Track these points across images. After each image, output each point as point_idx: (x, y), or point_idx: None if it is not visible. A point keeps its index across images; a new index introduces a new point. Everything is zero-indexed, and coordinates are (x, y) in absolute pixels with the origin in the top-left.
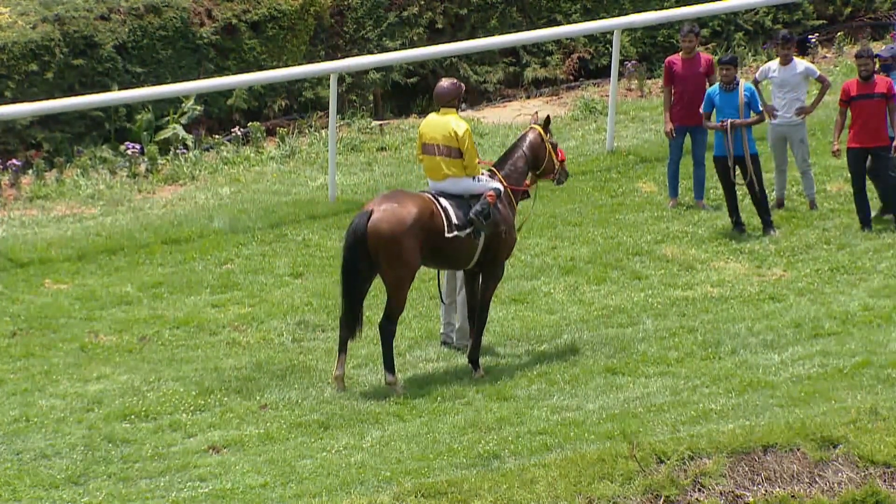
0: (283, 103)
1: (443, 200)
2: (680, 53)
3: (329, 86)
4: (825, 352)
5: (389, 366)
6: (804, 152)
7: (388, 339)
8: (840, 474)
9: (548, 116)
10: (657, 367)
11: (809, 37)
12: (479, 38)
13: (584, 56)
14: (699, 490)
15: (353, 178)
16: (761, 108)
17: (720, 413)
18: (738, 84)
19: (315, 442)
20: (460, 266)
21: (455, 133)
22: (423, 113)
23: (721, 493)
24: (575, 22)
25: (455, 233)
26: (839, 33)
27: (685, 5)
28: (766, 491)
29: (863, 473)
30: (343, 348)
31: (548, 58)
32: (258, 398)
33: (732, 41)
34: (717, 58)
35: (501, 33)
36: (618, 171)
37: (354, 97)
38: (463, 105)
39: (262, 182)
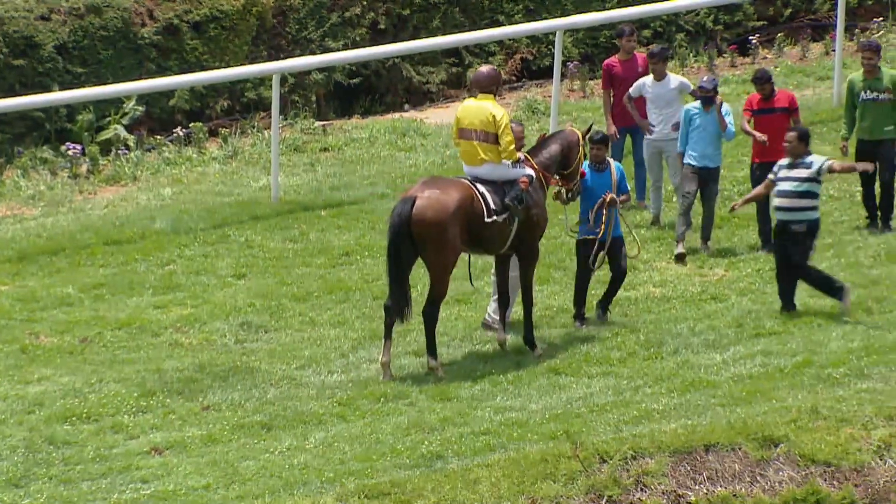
0: (226, 104)
1: (480, 186)
2: (618, 55)
3: (271, 86)
4: (766, 351)
5: (432, 350)
6: (678, 167)
7: (431, 324)
8: (781, 473)
9: (591, 125)
10: (600, 367)
11: (750, 38)
12: (422, 38)
13: (527, 57)
14: (641, 490)
15: (296, 179)
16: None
17: (662, 413)
18: (608, 164)
19: (258, 443)
20: (495, 250)
21: (493, 118)
22: (367, 113)
23: (663, 493)
24: (517, 23)
25: (493, 218)
26: (779, 34)
27: (627, 6)
28: (707, 490)
29: (803, 472)
30: (389, 335)
31: (490, 58)
32: (200, 400)
33: (674, 42)
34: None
35: (444, 34)
36: None
37: (297, 98)
38: (406, 106)
39: (205, 183)
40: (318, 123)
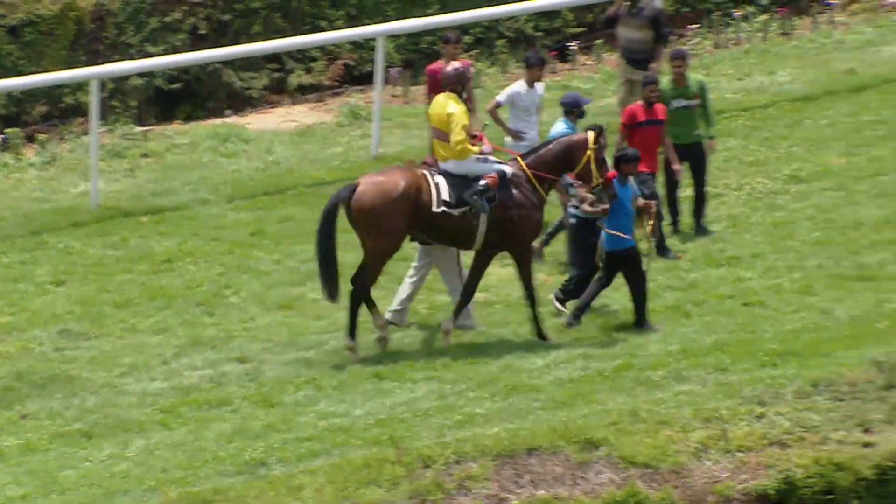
0: (43, 109)
1: (437, 177)
2: (442, 61)
3: (90, 91)
4: (587, 355)
5: (351, 331)
6: None
7: (353, 304)
8: (602, 476)
9: (601, 128)
10: (424, 372)
11: (569, 44)
12: (243, 43)
13: (349, 62)
14: (464, 494)
15: (116, 185)
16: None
17: (486, 417)
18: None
19: (77, 452)
20: (465, 245)
21: (446, 116)
22: (188, 119)
23: (486, 497)
24: (339, 28)
25: (443, 209)
26: (598, 41)
27: (448, 12)
28: (530, 493)
29: (623, 474)
30: (370, 309)
31: (312, 64)
32: (18, 408)
33: (494, 48)
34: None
35: (265, 39)
36: None
37: (117, 103)
38: (228, 111)
39: (22, 189)
40: (138, 129)
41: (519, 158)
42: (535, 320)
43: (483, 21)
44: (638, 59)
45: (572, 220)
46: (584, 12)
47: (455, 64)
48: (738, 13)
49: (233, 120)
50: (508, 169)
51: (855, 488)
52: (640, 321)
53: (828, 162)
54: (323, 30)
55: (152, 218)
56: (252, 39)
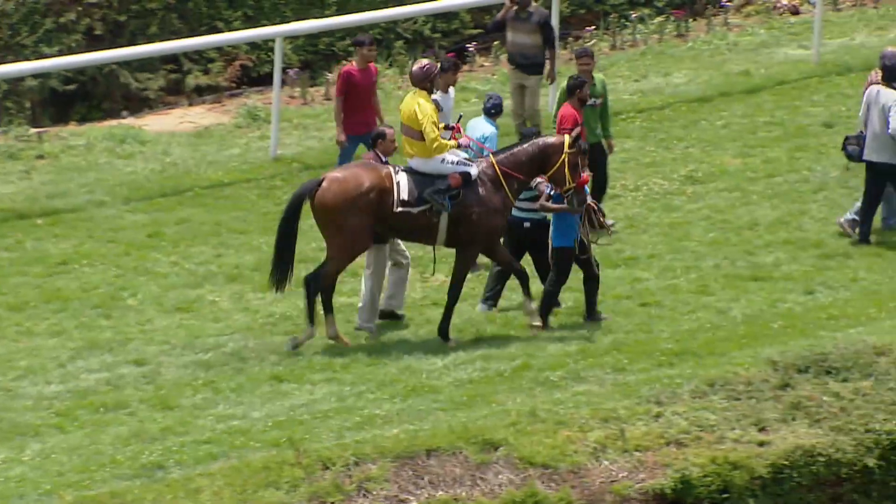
0: None
1: (400, 175)
2: (356, 63)
3: None
4: (486, 356)
5: (309, 317)
6: None
7: (309, 293)
8: (501, 476)
9: (578, 133)
10: (323, 373)
11: (467, 46)
12: (140, 44)
13: (247, 63)
14: (364, 495)
15: (11, 187)
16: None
17: (385, 418)
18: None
19: None
20: (428, 242)
21: (415, 114)
22: (84, 120)
23: (385, 498)
24: (236, 29)
25: (401, 208)
26: (496, 42)
27: (346, 14)
28: (429, 494)
29: (522, 475)
30: (327, 309)
31: (210, 65)
32: None
33: (392, 49)
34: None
35: (162, 40)
36: (282, 179)
37: (10, 104)
38: (124, 113)
39: None
40: (32, 130)
41: (492, 156)
42: (446, 318)
43: (381, 22)
44: (527, 63)
45: (527, 224)
46: (481, 14)
47: (423, 61)
48: (634, 15)
49: (129, 121)
50: (473, 170)
51: (751, 487)
52: (590, 312)
53: (723, 163)
54: (220, 31)
55: (48, 220)
56: (149, 40)
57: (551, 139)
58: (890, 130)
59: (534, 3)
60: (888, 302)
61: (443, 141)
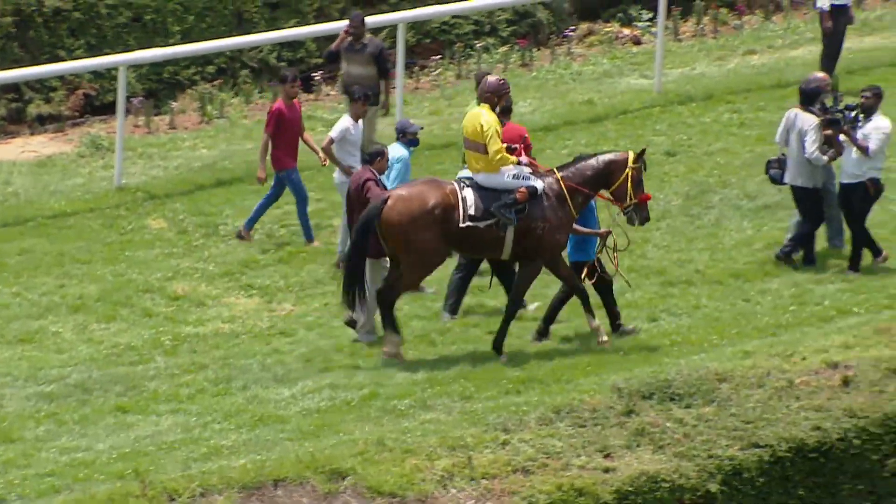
0: None
1: (466, 190)
2: (282, 100)
3: None
4: (334, 385)
5: (393, 328)
6: None
7: (383, 307)
8: None
9: (643, 149)
10: (168, 404)
11: (312, 75)
12: None
13: (90, 92)
14: None
15: None
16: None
17: (232, 449)
18: None
19: None
20: (494, 256)
21: (481, 127)
22: None
23: None
24: (79, 58)
25: (468, 223)
26: (341, 72)
27: (190, 42)
28: None
29: None
30: (393, 319)
31: (52, 93)
32: None
33: (238, 78)
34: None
35: (3, 69)
36: (126, 208)
37: None
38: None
39: None
40: None
41: (557, 171)
42: (501, 333)
43: (226, 51)
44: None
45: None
46: (327, 43)
47: (499, 76)
48: (479, 44)
49: None
50: (539, 184)
51: None
52: (614, 326)
53: None
54: (62, 59)
55: None
56: None
57: (615, 155)
58: (806, 154)
59: (367, 35)
60: (729, 328)
61: (506, 154)
